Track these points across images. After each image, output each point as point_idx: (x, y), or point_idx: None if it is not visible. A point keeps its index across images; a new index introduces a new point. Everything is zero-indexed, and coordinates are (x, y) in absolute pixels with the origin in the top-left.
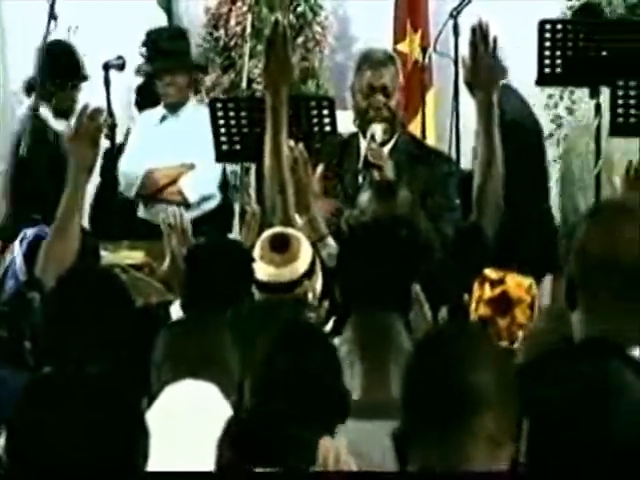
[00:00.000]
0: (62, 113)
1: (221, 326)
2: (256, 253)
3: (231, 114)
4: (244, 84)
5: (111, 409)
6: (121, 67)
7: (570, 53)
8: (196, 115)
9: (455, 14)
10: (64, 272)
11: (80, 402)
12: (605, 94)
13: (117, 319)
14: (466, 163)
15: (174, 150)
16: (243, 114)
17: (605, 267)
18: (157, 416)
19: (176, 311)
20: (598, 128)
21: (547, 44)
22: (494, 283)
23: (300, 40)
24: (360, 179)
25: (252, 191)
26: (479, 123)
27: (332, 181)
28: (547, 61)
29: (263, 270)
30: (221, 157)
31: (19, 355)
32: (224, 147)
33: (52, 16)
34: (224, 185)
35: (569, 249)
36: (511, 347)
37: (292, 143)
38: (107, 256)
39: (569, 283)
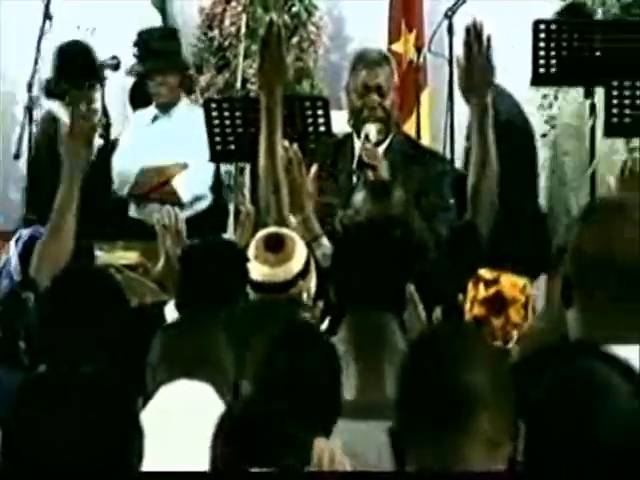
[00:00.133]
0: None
1: (216, 326)
2: (250, 253)
3: (226, 114)
4: (238, 84)
5: (106, 409)
6: (116, 67)
7: (565, 53)
8: (188, 115)
9: (450, 14)
10: (59, 272)
11: (75, 402)
12: (599, 94)
13: (112, 319)
14: (461, 163)
15: (166, 150)
16: (237, 114)
17: (601, 267)
18: (152, 416)
19: (170, 311)
20: (592, 128)
21: (542, 44)
22: (488, 283)
23: (295, 40)
24: (354, 179)
25: (246, 191)
26: (473, 123)
27: (327, 181)
28: (542, 61)
29: (257, 270)
30: (216, 157)
31: (14, 355)
32: (218, 147)
33: (47, 16)
34: (218, 185)
35: (560, 249)
36: (505, 347)
37: (286, 143)
38: (102, 256)
39: (565, 281)
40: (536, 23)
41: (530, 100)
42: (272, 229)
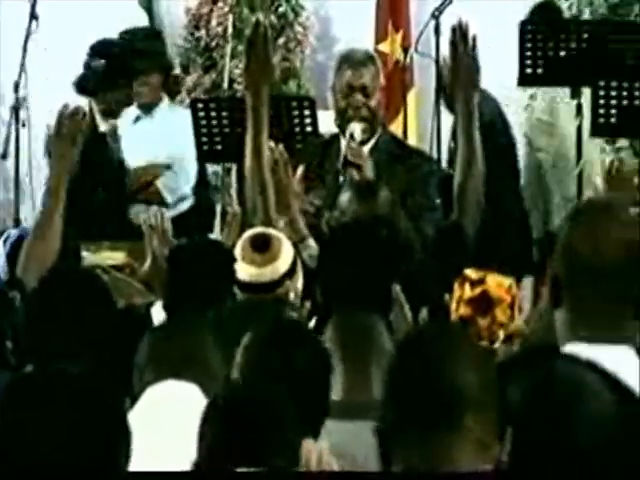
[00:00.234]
0: (110, 113)
1: (203, 326)
2: (237, 253)
3: (212, 114)
4: (225, 84)
5: (93, 409)
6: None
7: (551, 53)
8: (170, 115)
9: (437, 14)
10: (46, 272)
11: (62, 402)
12: (586, 94)
13: (98, 319)
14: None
15: (148, 150)
16: (224, 114)
17: (590, 268)
18: (139, 416)
19: (157, 312)
20: (579, 128)
21: (528, 44)
22: (474, 283)
23: (281, 40)
24: (341, 179)
25: (233, 191)
26: (459, 123)
27: (313, 182)
28: (528, 61)
29: (244, 270)
30: (202, 157)
31: (0, 355)
32: (205, 147)
33: (33, 16)
34: (204, 185)
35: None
36: (492, 347)
37: (272, 144)
38: (88, 257)
39: (554, 281)
40: (523, 23)
41: (516, 100)
42: (258, 229)
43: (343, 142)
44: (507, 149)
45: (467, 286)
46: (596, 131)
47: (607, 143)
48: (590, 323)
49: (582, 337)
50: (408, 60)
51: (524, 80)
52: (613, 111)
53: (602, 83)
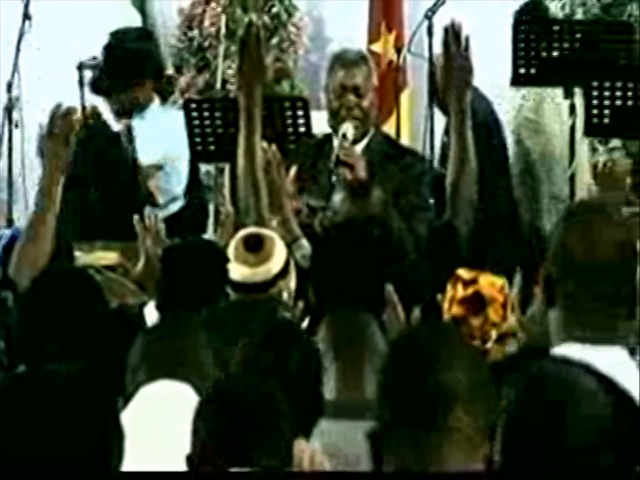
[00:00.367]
0: (124, 113)
1: (196, 326)
2: (230, 253)
3: (205, 115)
4: (219, 85)
5: (85, 409)
6: (95, 67)
7: (544, 54)
8: (161, 116)
9: (430, 15)
10: (38, 273)
11: (54, 402)
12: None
13: (91, 319)
14: (438, 159)
15: (140, 151)
16: (217, 115)
17: (584, 268)
18: (132, 416)
19: (150, 312)
20: (572, 128)
21: (521, 44)
22: (467, 283)
23: (275, 41)
24: (333, 179)
25: (226, 192)
26: (452, 122)
27: (306, 182)
28: (521, 61)
29: (237, 270)
30: (196, 158)
31: None
32: (199, 148)
33: (26, 16)
34: (197, 185)
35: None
36: (484, 346)
37: (265, 145)
38: (81, 257)
39: (547, 280)
40: (516, 23)
41: (509, 100)
42: (251, 229)
43: (336, 142)
44: (499, 149)
45: (459, 286)
46: (589, 131)
47: (600, 144)
48: (584, 323)
49: (576, 337)
50: (401, 60)
51: (517, 80)
52: (606, 111)
53: (595, 83)
